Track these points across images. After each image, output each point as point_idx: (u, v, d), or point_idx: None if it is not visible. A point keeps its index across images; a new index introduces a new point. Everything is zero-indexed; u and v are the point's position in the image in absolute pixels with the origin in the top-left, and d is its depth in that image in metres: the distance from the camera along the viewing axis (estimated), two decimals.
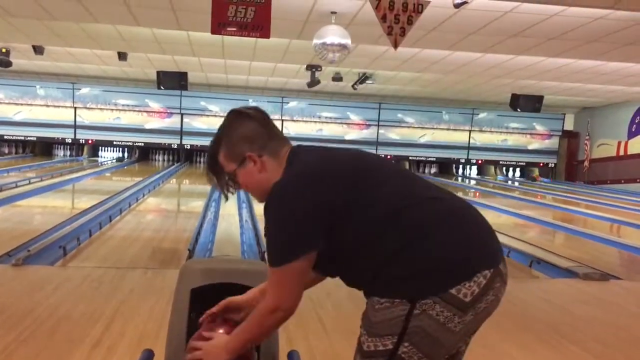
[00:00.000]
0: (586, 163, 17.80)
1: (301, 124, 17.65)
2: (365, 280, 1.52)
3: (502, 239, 6.73)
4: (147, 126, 17.25)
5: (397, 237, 1.45)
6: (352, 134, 17.95)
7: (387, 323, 1.42)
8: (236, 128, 1.61)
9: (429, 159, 18.59)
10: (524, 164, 18.96)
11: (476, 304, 1.42)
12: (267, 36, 6.23)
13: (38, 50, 10.95)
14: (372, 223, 1.47)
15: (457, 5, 6.35)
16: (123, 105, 17.02)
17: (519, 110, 15.34)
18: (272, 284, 1.52)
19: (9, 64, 11.81)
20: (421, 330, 1.40)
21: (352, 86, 13.88)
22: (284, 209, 1.48)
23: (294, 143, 1.67)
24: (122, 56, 11.18)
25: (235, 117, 1.63)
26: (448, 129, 18.40)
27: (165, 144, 17.47)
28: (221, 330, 1.67)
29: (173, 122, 17.30)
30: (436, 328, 1.40)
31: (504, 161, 18.92)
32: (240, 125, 1.61)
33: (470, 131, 18.51)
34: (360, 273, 1.53)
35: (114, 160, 17.16)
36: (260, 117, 1.63)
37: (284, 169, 1.57)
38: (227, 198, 1.75)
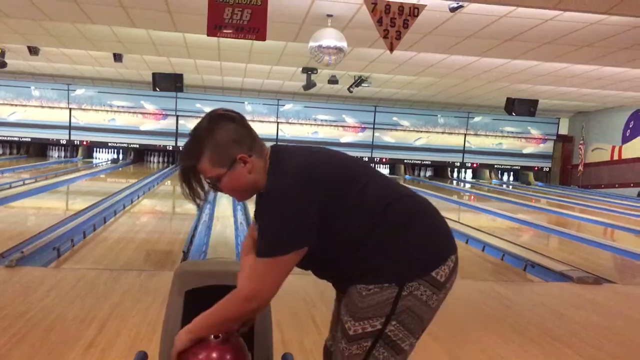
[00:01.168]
0: (580, 167, 17.87)
1: (297, 127, 17.66)
2: (350, 271, 1.61)
3: (496, 242, 6.75)
4: (143, 128, 17.23)
5: (384, 230, 1.58)
6: (348, 137, 17.97)
7: (376, 306, 1.56)
8: (222, 131, 1.59)
9: (424, 162, 18.64)
10: (519, 167, 19.03)
11: (446, 283, 1.61)
12: (263, 38, 6.23)
13: (33, 51, 10.93)
14: (362, 219, 1.58)
15: (452, 10, 6.38)
16: (118, 106, 17.00)
17: (513, 114, 15.41)
18: (255, 273, 1.55)
19: (3, 64, 11.78)
20: (407, 309, 1.56)
21: (348, 89, 13.90)
22: (284, 205, 1.53)
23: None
24: (117, 57, 11.17)
25: (218, 119, 1.61)
26: (443, 133, 18.46)
27: (160, 145, 17.45)
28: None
29: (168, 123, 17.28)
30: (420, 306, 1.57)
31: (499, 165, 18.98)
32: (225, 128, 1.59)
33: (465, 135, 18.57)
34: (347, 265, 1.61)
35: (109, 162, 17.11)
36: (239, 118, 1.64)
37: (271, 168, 1.61)
38: (199, 206, 1.76)
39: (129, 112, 17.10)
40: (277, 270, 1.53)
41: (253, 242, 1.82)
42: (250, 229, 1.85)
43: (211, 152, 1.58)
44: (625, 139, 16.33)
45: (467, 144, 18.63)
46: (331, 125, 17.88)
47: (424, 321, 1.61)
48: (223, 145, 1.58)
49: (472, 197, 14.04)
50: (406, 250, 1.58)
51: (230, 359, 1.59)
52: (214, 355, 1.59)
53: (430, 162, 18.70)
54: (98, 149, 17.80)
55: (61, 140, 17.06)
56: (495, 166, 19.02)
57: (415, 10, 5.97)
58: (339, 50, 7.28)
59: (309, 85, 12.26)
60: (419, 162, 18.60)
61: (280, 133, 17.41)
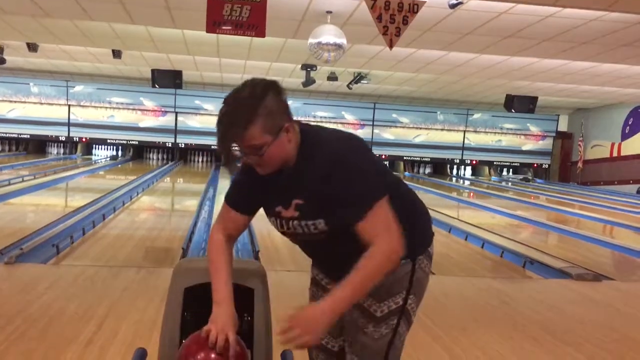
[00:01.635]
0: (580, 164, 17.87)
1: None
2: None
3: (496, 239, 6.73)
4: (142, 124, 17.21)
5: (400, 213, 1.68)
6: None
7: (397, 282, 1.71)
8: (273, 99, 1.55)
9: (424, 159, 18.62)
10: (518, 164, 19.03)
11: (432, 257, 1.85)
12: (263, 35, 6.22)
13: (32, 47, 10.90)
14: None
15: (452, 6, 6.36)
16: (117, 103, 16.97)
17: (513, 111, 15.39)
18: (380, 226, 1.57)
19: (2, 61, 11.76)
20: (418, 281, 1.76)
21: (347, 86, 13.88)
22: (366, 157, 1.65)
23: None
24: (116, 54, 11.15)
25: (270, 86, 1.57)
26: (442, 129, 18.44)
27: (159, 142, 17.43)
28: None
29: (167, 120, 17.26)
30: (424, 277, 1.80)
31: (498, 162, 18.98)
32: (274, 96, 1.56)
33: (464, 131, 18.55)
34: (364, 248, 1.61)
35: (108, 159, 17.09)
36: (282, 88, 1.62)
37: (307, 140, 1.63)
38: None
39: (128, 109, 17.07)
40: (389, 213, 1.59)
41: (225, 237, 1.80)
42: (218, 223, 1.82)
43: (265, 118, 1.52)
44: (625, 136, 16.33)
45: (466, 141, 18.61)
46: (330, 122, 17.83)
47: (424, 291, 1.82)
48: (275, 112, 1.55)
49: (472, 194, 14.04)
50: (416, 231, 1.78)
51: (229, 356, 1.59)
52: (213, 354, 1.58)
53: (429, 159, 18.68)
54: (97, 146, 17.78)
55: (60, 137, 17.03)
56: (495, 163, 19.02)
57: (414, 7, 5.95)
58: (339, 47, 7.27)
59: (308, 82, 12.24)
60: (418, 159, 18.58)
61: None
